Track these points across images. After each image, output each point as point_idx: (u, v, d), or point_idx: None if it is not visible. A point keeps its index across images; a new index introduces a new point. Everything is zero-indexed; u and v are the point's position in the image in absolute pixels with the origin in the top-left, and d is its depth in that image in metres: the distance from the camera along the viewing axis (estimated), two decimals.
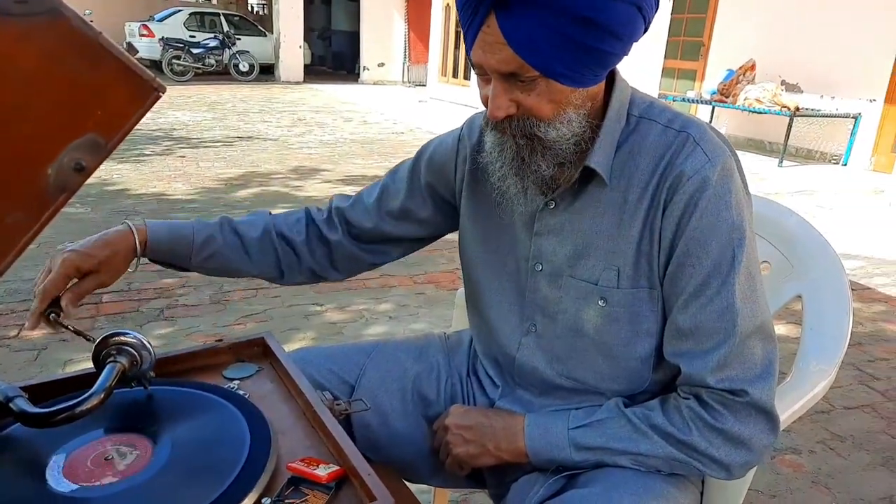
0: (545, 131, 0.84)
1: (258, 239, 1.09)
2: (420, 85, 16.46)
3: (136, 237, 0.99)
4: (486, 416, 0.99)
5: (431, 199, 1.10)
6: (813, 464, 2.07)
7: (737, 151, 0.90)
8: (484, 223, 1.03)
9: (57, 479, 0.70)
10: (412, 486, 1.07)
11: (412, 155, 1.14)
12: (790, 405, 0.98)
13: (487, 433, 0.97)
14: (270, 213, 1.14)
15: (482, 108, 0.91)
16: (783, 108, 7.42)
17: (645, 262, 0.88)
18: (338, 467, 0.74)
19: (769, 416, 0.85)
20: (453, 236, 1.16)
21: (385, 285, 3.31)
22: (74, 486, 0.69)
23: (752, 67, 8.09)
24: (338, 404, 0.90)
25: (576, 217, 0.92)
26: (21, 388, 0.79)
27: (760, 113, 7.73)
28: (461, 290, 1.22)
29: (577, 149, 0.87)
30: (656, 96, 0.97)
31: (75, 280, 0.93)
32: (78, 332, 0.91)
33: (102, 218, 4.28)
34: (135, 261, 1.01)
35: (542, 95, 0.81)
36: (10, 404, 0.75)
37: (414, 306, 3.08)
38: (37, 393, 0.80)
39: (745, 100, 7.78)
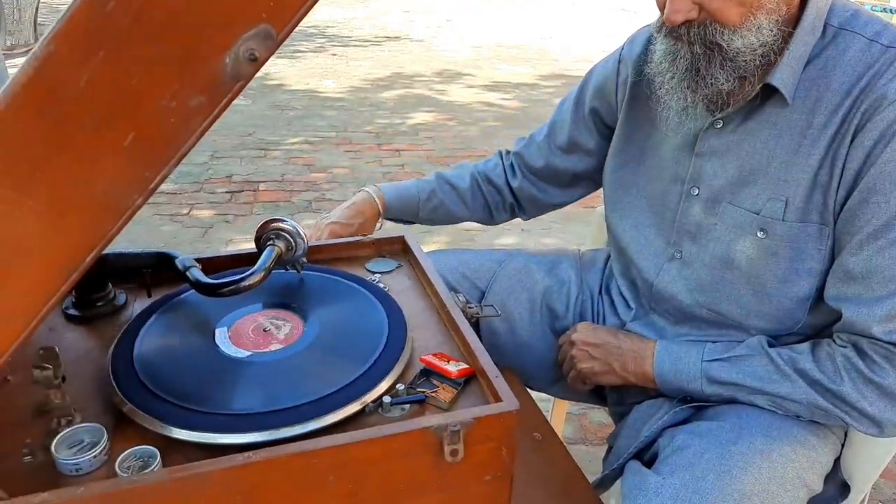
0: (729, 39, 0.76)
1: (469, 187, 1.21)
2: None
3: (378, 203, 1.17)
4: (614, 336, 0.98)
5: (595, 126, 1.08)
6: None
7: None
8: (639, 140, 0.98)
9: (224, 342, 0.80)
10: (533, 394, 1.10)
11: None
12: None
13: (614, 353, 0.96)
14: (472, 164, 1.24)
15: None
16: None
17: (820, 194, 0.79)
18: (467, 366, 0.77)
19: None
20: None
21: None
22: (239, 350, 0.78)
23: None
24: (470, 307, 0.93)
25: (746, 139, 0.84)
26: (195, 259, 0.89)
27: None
28: (601, 207, 1.18)
29: (764, 61, 0.78)
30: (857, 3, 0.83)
31: None
32: None
33: (260, 110, 4.57)
34: (379, 222, 1.19)
35: None
36: (187, 273, 0.85)
37: (547, 220, 3.04)
38: (206, 266, 0.90)
39: None
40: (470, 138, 4.15)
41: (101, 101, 0.47)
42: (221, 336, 0.80)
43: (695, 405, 0.89)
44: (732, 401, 0.86)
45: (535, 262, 1.16)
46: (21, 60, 3.77)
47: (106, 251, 0.55)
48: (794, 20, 0.78)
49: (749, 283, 0.86)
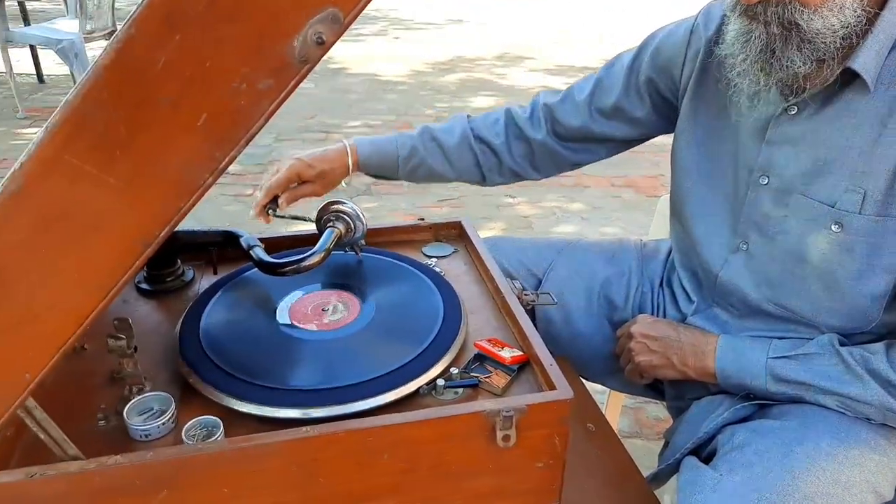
0: (809, 19, 0.72)
1: (457, 144, 1.12)
2: None
3: (350, 157, 1.09)
4: (674, 329, 0.95)
5: (649, 96, 1.02)
6: None
7: None
8: (706, 125, 0.93)
9: (285, 320, 0.82)
10: (587, 385, 1.09)
11: (628, 44, 1.05)
12: None
13: (674, 346, 0.94)
14: (469, 117, 1.15)
15: None
16: None
17: None
18: (521, 353, 0.77)
19: None
20: (663, 139, 1.08)
21: (579, 184, 3.23)
22: (298, 328, 0.80)
23: None
24: (526, 294, 0.92)
25: (822, 126, 0.79)
26: (258, 238, 0.92)
27: None
28: (665, 196, 1.15)
29: (845, 43, 0.73)
30: None
31: (294, 185, 1.06)
32: (294, 217, 1.04)
33: (323, 94, 4.64)
34: (347, 177, 1.12)
35: None
36: (251, 252, 0.87)
37: (609, 209, 2.99)
38: (269, 245, 0.93)
39: None
40: None
41: (176, 83, 0.49)
42: (282, 313, 0.83)
43: (758, 403, 0.86)
44: (798, 400, 0.83)
45: (595, 251, 1.14)
46: (100, 44, 3.95)
47: (176, 228, 0.57)
48: (881, 1, 0.73)
49: (821, 278, 0.82)
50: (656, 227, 1.30)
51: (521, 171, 1.15)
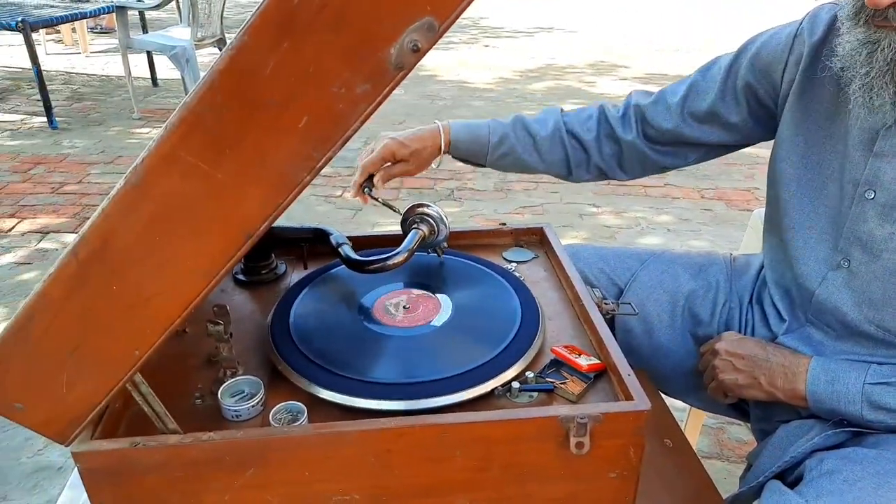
0: None
1: (548, 137, 1.11)
2: None
3: (443, 135, 1.10)
4: (763, 349, 0.92)
5: (747, 102, 0.98)
6: None
7: None
8: (808, 135, 0.89)
9: (368, 314, 0.85)
10: (667, 400, 1.06)
11: (725, 52, 1.02)
12: None
13: (762, 366, 0.90)
14: (562, 111, 1.14)
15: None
16: None
17: None
18: (598, 361, 0.76)
19: None
20: (755, 149, 1.03)
21: (667, 195, 3.14)
22: (381, 324, 0.83)
23: None
24: (606, 303, 0.91)
25: None
26: (347, 237, 0.96)
27: None
28: (759, 210, 1.10)
29: None
30: None
31: (389, 164, 1.08)
32: (386, 204, 1.07)
33: (412, 99, 4.74)
34: (438, 158, 1.12)
35: None
36: (340, 249, 0.91)
37: (697, 222, 2.88)
38: (356, 244, 0.96)
39: None
40: None
41: (282, 87, 0.52)
42: (366, 309, 0.86)
43: (852, 430, 0.81)
44: None
45: (681, 263, 1.10)
46: (209, 51, 4.21)
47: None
48: None
49: None
50: (748, 242, 1.25)
51: (607, 170, 1.13)
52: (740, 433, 1.67)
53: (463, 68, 5.79)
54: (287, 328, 0.82)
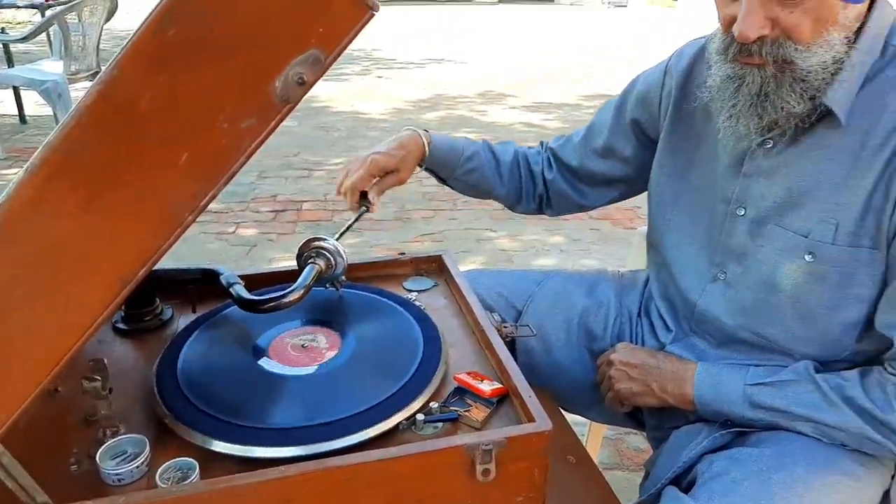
0: (803, 57, 0.74)
1: (510, 162, 1.18)
2: (620, 6, 15.44)
3: (424, 140, 1.12)
4: (653, 357, 0.97)
5: (635, 136, 1.07)
6: None
7: None
8: (684, 159, 0.97)
9: (264, 356, 0.82)
10: (568, 416, 1.09)
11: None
12: None
13: (653, 373, 0.95)
14: (517, 145, 1.22)
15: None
16: None
17: (873, 218, 0.77)
18: (501, 385, 0.77)
19: None
20: None
21: (559, 217, 3.27)
22: (278, 365, 0.80)
23: None
24: (505, 326, 0.93)
25: (796, 160, 0.82)
26: (239, 276, 0.92)
27: None
28: (642, 228, 1.17)
29: (834, 79, 0.76)
30: None
31: (377, 178, 1.08)
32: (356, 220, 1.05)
33: (306, 132, 4.68)
34: (423, 159, 1.12)
35: (808, 12, 0.72)
36: (231, 289, 0.87)
37: (586, 241, 3.03)
38: (250, 282, 0.93)
39: None
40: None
41: (159, 123, 0.50)
42: (262, 351, 0.83)
43: (736, 430, 0.87)
44: (775, 427, 0.84)
45: (574, 282, 1.15)
46: (84, 85, 3.96)
47: (155, 267, 0.57)
48: (852, 40, 0.77)
49: (795, 307, 0.84)
50: (633, 258, 1.33)
51: (543, 204, 1.22)
52: (638, 442, 1.74)
53: (357, 99, 5.80)
54: (174, 377, 0.77)
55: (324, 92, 5.97)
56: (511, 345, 1.05)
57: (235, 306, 0.87)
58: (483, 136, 4.67)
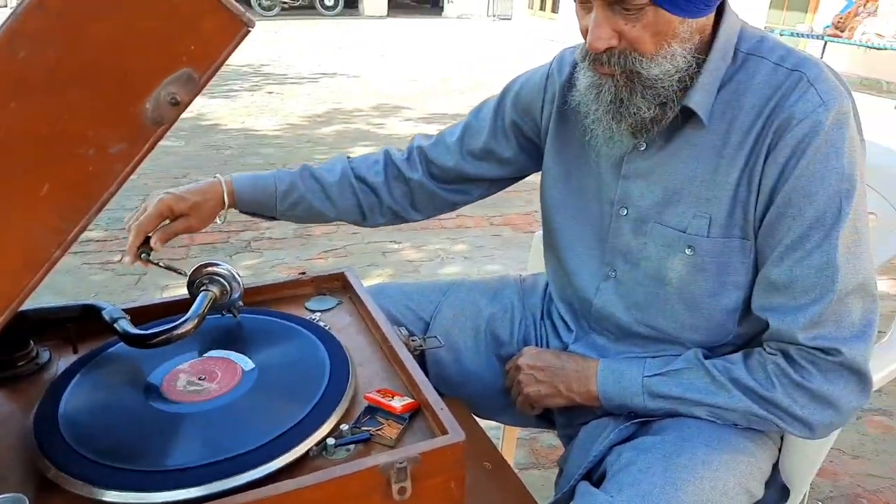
0: (647, 67, 0.79)
1: (337, 183, 1.12)
2: (505, 18, 15.96)
3: (225, 188, 1.05)
4: (558, 358, 0.99)
5: (515, 138, 1.08)
6: None
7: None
8: (568, 164, 1.00)
9: (157, 393, 0.76)
10: (482, 422, 1.09)
11: (493, 91, 1.11)
12: (886, 365, 0.92)
13: (559, 374, 0.97)
14: (348, 158, 1.16)
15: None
16: None
17: (740, 210, 0.83)
18: (412, 400, 0.76)
19: (862, 377, 0.80)
20: (533, 177, 1.14)
21: (461, 226, 3.32)
22: (173, 402, 0.75)
23: None
24: (413, 340, 0.92)
25: (668, 160, 0.87)
26: (124, 309, 0.86)
27: (880, 49, 7.02)
28: (539, 232, 1.20)
29: (681, 86, 0.82)
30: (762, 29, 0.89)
31: (167, 221, 1.00)
32: (169, 268, 0.98)
33: (195, 151, 4.48)
34: (223, 212, 1.06)
35: (647, 27, 0.77)
36: (115, 325, 0.81)
37: (490, 248, 3.08)
38: (138, 315, 0.87)
39: (863, 34, 7.08)
40: None
41: (14, 153, 0.45)
42: (154, 387, 0.77)
43: (639, 421, 0.90)
44: (675, 414, 0.88)
45: (479, 289, 1.16)
46: None
47: (25, 306, 0.52)
48: (707, 47, 0.83)
49: (681, 298, 0.89)
50: (533, 262, 1.36)
51: (401, 211, 1.17)
52: (551, 439, 1.78)
53: (247, 116, 5.63)
54: (56, 426, 0.70)
55: (211, 109, 5.75)
56: (420, 357, 1.04)
57: (123, 342, 0.81)
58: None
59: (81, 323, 0.87)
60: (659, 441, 0.83)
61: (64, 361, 0.86)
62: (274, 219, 1.13)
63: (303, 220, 1.14)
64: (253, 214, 1.11)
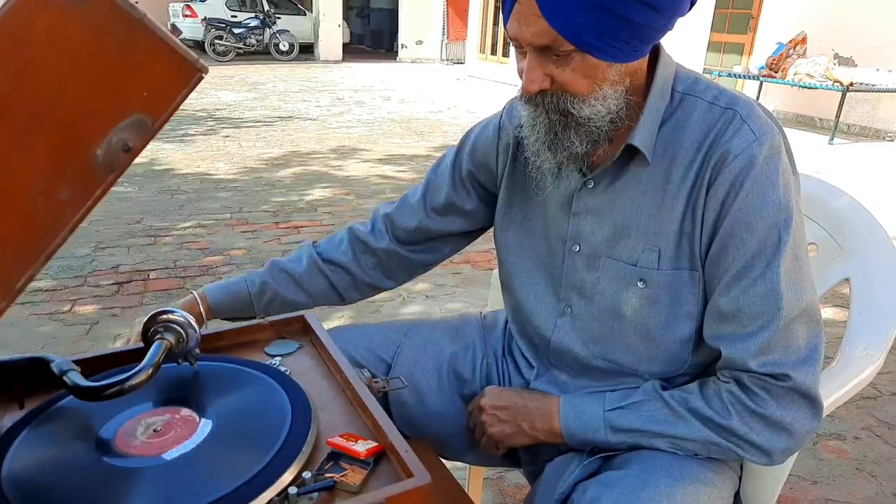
0: (579, 108, 0.83)
1: (306, 272, 1.14)
2: (458, 62, 16.36)
3: (201, 305, 1.08)
4: (520, 397, 0.99)
5: (474, 189, 1.10)
6: (857, 450, 2.02)
7: (785, 129, 0.88)
8: (520, 204, 1.03)
9: (110, 448, 0.73)
10: (447, 463, 1.08)
11: (449, 133, 1.15)
12: (835, 390, 0.95)
13: (522, 413, 0.97)
14: (313, 243, 1.18)
15: (519, 84, 0.90)
16: (835, 83, 7.13)
17: (687, 242, 0.86)
18: (376, 443, 0.75)
19: (812, 402, 0.83)
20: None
21: None
22: (125, 457, 0.72)
23: (804, 41, 7.77)
24: (375, 382, 0.91)
25: (616, 196, 0.90)
26: (74, 361, 0.83)
27: (811, 88, 7.44)
28: (497, 270, 1.22)
29: (613, 126, 0.85)
30: (701, 71, 0.94)
31: None
32: None
33: (149, 196, 4.40)
34: (202, 325, 1.08)
35: (577, 71, 0.80)
36: (64, 377, 0.78)
37: (450, 286, 3.09)
38: (89, 366, 0.84)
39: (794, 75, 7.50)
40: (368, 211, 4.18)
41: None
42: (106, 443, 0.74)
43: (603, 455, 0.91)
44: (636, 447, 0.89)
45: (440, 329, 1.16)
46: None
47: None
48: (643, 88, 0.87)
49: (636, 330, 0.91)
50: (493, 299, 1.37)
51: (376, 283, 1.18)
52: (518, 478, 1.77)
53: (203, 160, 5.57)
54: None
55: (166, 154, 5.68)
56: (384, 399, 1.03)
57: (72, 396, 0.78)
58: (341, 189, 4.68)
59: (28, 377, 0.84)
60: (622, 475, 0.84)
61: (9, 418, 0.82)
62: (253, 318, 1.12)
63: (285, 311, 1.14)
64: (234, 319, 1.12)
